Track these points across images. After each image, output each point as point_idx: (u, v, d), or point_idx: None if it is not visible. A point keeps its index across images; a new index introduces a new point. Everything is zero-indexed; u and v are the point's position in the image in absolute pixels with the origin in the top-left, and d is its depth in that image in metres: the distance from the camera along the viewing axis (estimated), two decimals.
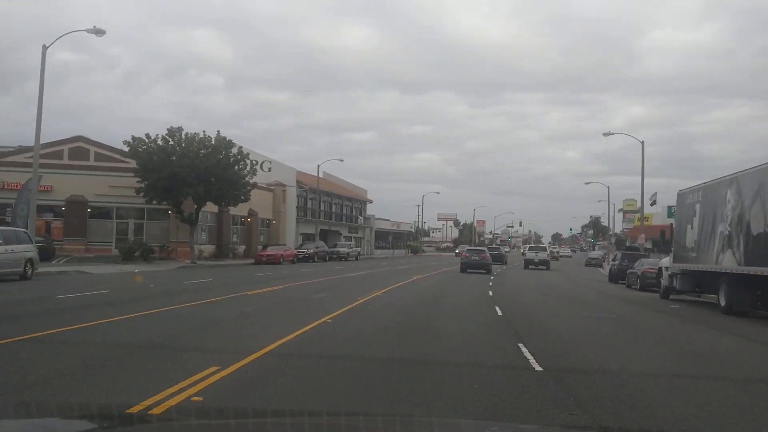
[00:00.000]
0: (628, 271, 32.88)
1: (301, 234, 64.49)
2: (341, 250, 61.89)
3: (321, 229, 70.40)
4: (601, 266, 59.19)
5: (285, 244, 54.14)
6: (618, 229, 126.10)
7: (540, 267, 50.05)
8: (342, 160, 64.00)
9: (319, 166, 63.75)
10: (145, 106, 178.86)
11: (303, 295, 19.61)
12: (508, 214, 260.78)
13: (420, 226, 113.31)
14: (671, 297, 23.68)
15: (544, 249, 58.92)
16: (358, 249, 68.27)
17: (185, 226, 41.97)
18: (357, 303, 16.93)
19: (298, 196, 65.10)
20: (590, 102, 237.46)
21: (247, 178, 43.67)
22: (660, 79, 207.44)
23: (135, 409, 5.74)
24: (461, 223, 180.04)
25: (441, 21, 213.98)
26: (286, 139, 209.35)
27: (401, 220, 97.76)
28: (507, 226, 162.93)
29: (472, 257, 41.17)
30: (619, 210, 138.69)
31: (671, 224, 27.43)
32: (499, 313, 16.17)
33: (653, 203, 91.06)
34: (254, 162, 61.35)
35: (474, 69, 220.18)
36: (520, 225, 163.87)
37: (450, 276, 36.11)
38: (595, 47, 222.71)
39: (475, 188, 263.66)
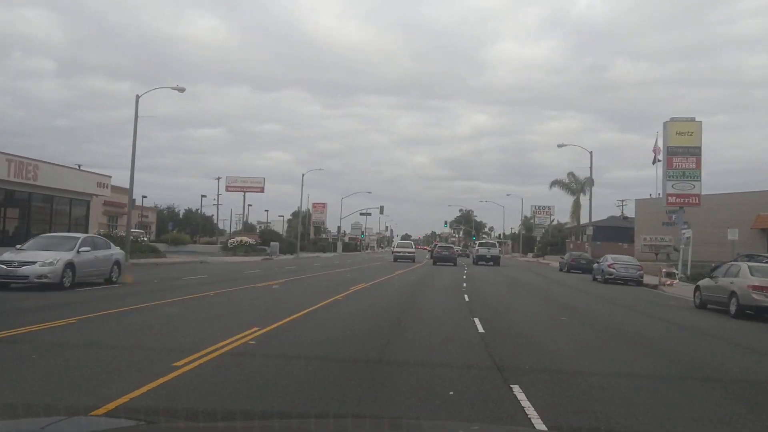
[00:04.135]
0: None
1: None
2: None
3: None
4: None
5: None
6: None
7: (489, 263, 51.68)
8: None
9: None
10: None
11: None
12: (363, 194, 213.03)
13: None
14: None
15: (495, 245, 59.57)
16: None
17: None
18: None
19: None
20: (438, 108, 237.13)
21: None
22: (502, 90, 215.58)
23: None
24: (293, 212, 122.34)
25: (294, 17, 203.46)
26: (124, 132, 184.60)
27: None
28: (361, 213, 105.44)
29: (443, 253, 51.82)
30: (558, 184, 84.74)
31: None
32: None
33: None
34: None
35: (327, 69, 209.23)
36: (381, 212, 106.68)
37: None
38: (444, 55, 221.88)
39: (324, 189, 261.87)
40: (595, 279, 34.46)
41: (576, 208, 74.35)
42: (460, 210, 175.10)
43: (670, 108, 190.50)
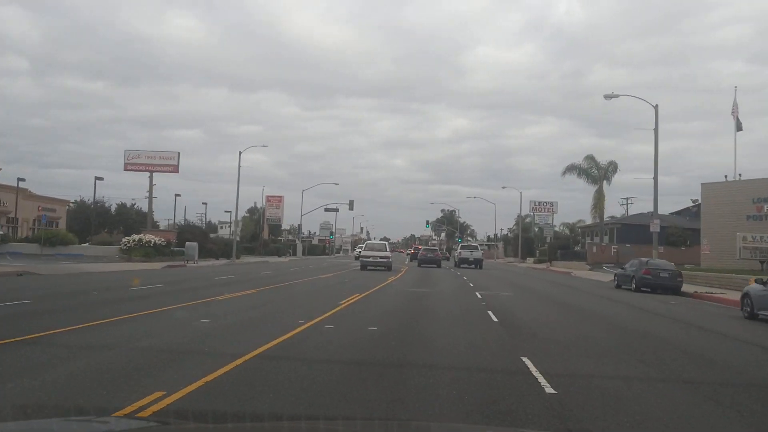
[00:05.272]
0: None
1: None
2: None
3: None
4: None
5: None
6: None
7: (472, 266, 50.49)
8: None
9: None
10: None
11: None
12: (329, 186, 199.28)
13: None
14: None
15: (477, 248, 57.96)
16: None
17: None
18: None
19: None
20: (418, 111, 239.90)
21: None
22: (482, 94, 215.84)
23: None
24: (250, 207, 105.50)
25: (275, 18, 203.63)
26: (99, 132, 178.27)
27: None
28: (326, 208, 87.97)
29: (428, 255, 53.13)
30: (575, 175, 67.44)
31: None
32: None
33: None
34: None
35: (307, 70, 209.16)
36: (351, 208, 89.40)
37: None
38: (424, 59, 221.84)
39: (302, 192, 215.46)
40: (754, 316, 17.17)
41: (599, 199, 57.62)
42: (443, 210, 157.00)
43: (652, 113, 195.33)
